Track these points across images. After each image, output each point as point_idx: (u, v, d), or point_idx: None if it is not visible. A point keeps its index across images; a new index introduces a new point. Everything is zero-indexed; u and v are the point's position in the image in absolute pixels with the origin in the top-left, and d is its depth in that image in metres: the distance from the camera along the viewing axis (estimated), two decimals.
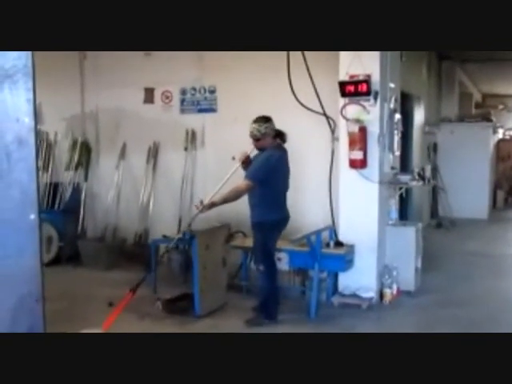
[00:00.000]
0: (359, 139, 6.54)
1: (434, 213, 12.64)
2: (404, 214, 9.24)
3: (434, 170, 12.18)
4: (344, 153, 6.77)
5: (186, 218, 8.32)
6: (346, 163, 6.72)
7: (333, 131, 7.26)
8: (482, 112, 15.62)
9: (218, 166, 7.78)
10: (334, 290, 6.87)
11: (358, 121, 6.55)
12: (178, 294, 6.66)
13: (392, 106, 6.83)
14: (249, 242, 6.59)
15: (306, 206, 7.69)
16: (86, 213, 9.19)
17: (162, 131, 8.86)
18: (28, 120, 1.89)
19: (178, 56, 8.04)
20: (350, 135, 6.60)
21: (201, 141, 8.64)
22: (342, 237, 6.81)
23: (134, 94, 8.94)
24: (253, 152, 6.19)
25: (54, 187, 9.25)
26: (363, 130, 6.55)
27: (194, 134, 8.67)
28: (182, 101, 8.78)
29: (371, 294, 6.68)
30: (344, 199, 6.88)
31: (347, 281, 6.79)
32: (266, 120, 6.00)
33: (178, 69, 8.51)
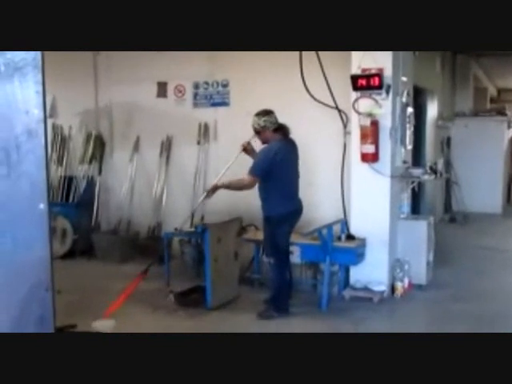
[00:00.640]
0: (371, 133, 6.54)
1: (447, 207, 12.57)
2: (417, 209, 9.22)
3: (448, 164, 12.14)
4: (356, 146, 6.77)
5: (198, 211, 8.38)
6: (358, 157, 6.72)
7: (345, 125, 7.26)
8: (497, 106, 15.51)
9: (230, 160, 7.79)
10: (346, 283, 6.88)
11: (369, 114, 6.55)
12: (190, 287, 6.71)
13: (404, 99, 6.82)
14: (261, 235, 6.62)
15: (318, 199, 7.69)
16: (99, 206, 9.24)
17: (175, 125, 8.88)
18: (37, 112, 1.92)
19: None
20: (362, 129, 6.60)
21: (213, 134, 8.66)
22: (354, 230, 6.81)
23: (147, 88, 8.97)
24: (253, 139, 6.24)
25: (69, 181, 9.32)
26: (375, 124, 6.55)
27: (206, 127, 8.69)
28: (195, 95, 8.79)
29: (383, 287, 6.69)
30: (356, 193, 6.89)
31: (359, 274, 6.80)
32: (266, 113, 6.03)
33: (190, 63, 8.53)
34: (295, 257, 6.80)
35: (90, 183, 9.26)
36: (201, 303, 6.33)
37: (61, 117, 9.42)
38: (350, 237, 6.70)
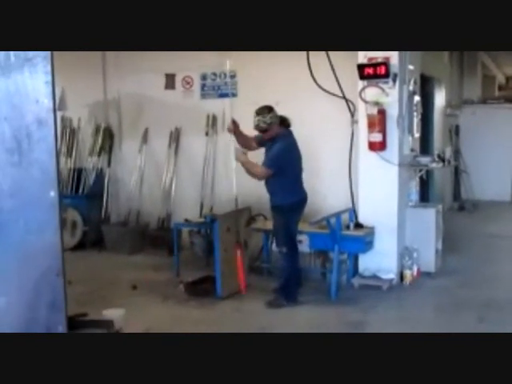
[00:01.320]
0: (378, 122, 6.55)
1: (456, 195, 12.57)
2: (426, 197, 9.22)
3: (457, 152, 12.12)
4: (363, 135, 6.79)
5: (207, 201, 8.43)
6: (366, 146, 6.74)
7: (352, 114, 7.28)
8: (506, 94, 15.45)
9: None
10: (355, 271, 6.91)
11: (376, 103, 6.56)
12: (201, 277, 6.76)
13: (411, 88, 6.83)
14: (269, 225, 6.65)
15: (326, 188, 7.71)
16: (109, 198, 9.31)
17: (184, 116, 8.91)
18: (47, 101, 1.97)
19: None
20: (369, 118, 6.61)
21: (221, 125, 8.67)
22: (362, 219, 6.84)
23: (155, 79, 9.00)
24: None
25: (78, 173, 9.40)
26: (382, 113, 6.56)
27: (214, 118, 8.72)
28: (203, 86, 8.82)
29: (391, 275, 6.72)
30: (363, 181, 6.91)
31: (367, 262, 6.83)
32: (269, 110, 6.04)
33: (198, 54, 8.53)
34: (304, 246, 6.83)
35: (100, 175, 9.32)
36: (211, 293, 6.38)
37: (70, 109, 9.47)
38: (359, 225, 6.73)
